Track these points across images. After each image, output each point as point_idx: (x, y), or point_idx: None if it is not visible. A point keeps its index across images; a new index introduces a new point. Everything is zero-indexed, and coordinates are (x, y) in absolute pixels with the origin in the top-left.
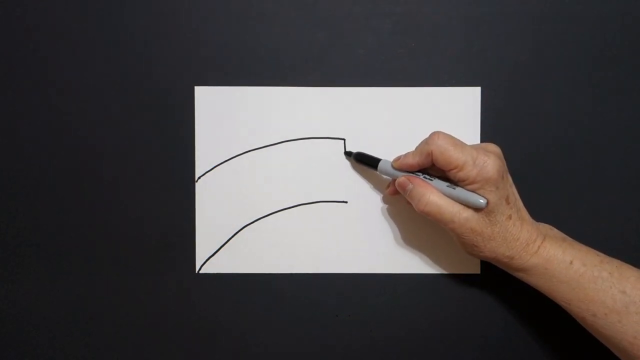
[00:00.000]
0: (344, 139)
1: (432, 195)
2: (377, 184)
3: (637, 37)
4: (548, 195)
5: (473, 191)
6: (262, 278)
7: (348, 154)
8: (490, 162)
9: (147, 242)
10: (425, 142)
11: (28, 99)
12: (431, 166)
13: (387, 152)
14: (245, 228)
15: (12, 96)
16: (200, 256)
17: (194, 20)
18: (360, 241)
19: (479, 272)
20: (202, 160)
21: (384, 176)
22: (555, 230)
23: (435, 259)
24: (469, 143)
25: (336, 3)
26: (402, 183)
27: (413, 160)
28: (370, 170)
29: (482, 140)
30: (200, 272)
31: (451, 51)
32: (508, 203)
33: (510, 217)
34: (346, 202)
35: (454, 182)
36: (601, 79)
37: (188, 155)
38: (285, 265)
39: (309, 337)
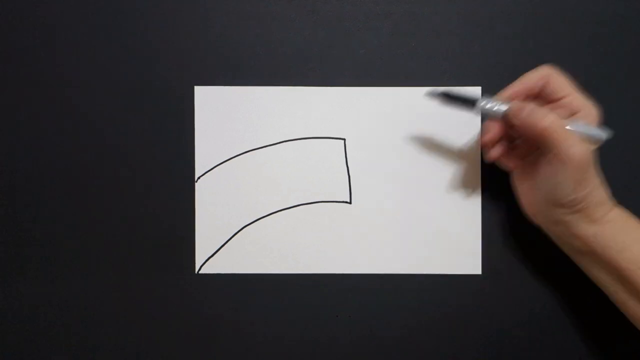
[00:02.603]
0: (344, 139)
1: (556, 116)
2: (378, 184)
3: (638, 38)
4: None
5: None
6: (262, 278)
7: (431, 95)
8: (590, 101)
9: (147, 242)
10: (536, 70)
11: (27, 98)
12: (532, 98)
13: (387, 152)
14: (245, 228)
15: (11, 96)
16: (200, 256)
17: (194, 20)
18: (361, 241)
19: (479, 272)
20: (202, 160)
21: (479, 116)
22: None
23: (435, 259)
24: (468, 143)
25: (336, 3)
26: (517, 109)
27: (519, 87)
28: (372, 169)
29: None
30: (200, 272)
31: (451, 51)
32: None
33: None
34: (346, 202)
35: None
36: (601, 79)
37: (188, 155)
38: (285, 265)
39: (309, 337)
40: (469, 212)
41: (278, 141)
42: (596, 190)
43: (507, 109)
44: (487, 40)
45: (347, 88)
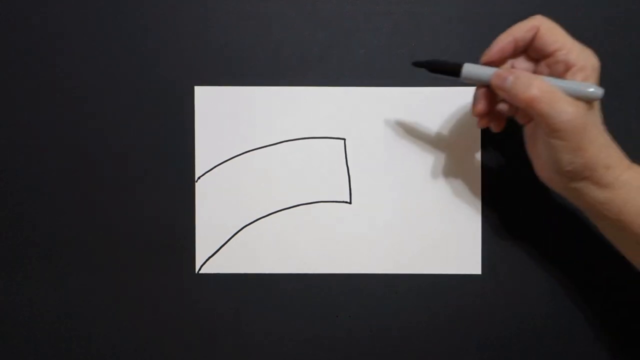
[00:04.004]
0: (344, 139)
1: (543, 81)
2: (378, 184)
3: (638, 38)
4: (548, 195)
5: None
6: (262, 278)
7: (417, 65)
8: (588, 49)
9: (147, 242)
10: (525, 21)
11: (28, 98)
12: (522, 53)
13: (387, 152)
14: (245, 228)
15: (11, 96)
16: (200, 256)
17: (193, 20)
18: (361, 241)
19: (479, 272)
20: (202, 160)
21: (469, 82)
22: None
23: (435, 259)
24: (469, 144)
25: (336, 3)
26: (500, 75)
27: (506, 39)
28: (372, 169)
29: (482, 141)
30: (200, 272)
31: (451, 51)
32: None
33: (601, 120)
34: (346, 202)
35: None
36: (601, 79)
37: (188, 155)
38: (285, 266)
39: (309, 337)
40: (469, 212)
41: (278, 141)
42: (600, 153)
43: (494, 74)
44: (487, 40)
45: (347, 88)
